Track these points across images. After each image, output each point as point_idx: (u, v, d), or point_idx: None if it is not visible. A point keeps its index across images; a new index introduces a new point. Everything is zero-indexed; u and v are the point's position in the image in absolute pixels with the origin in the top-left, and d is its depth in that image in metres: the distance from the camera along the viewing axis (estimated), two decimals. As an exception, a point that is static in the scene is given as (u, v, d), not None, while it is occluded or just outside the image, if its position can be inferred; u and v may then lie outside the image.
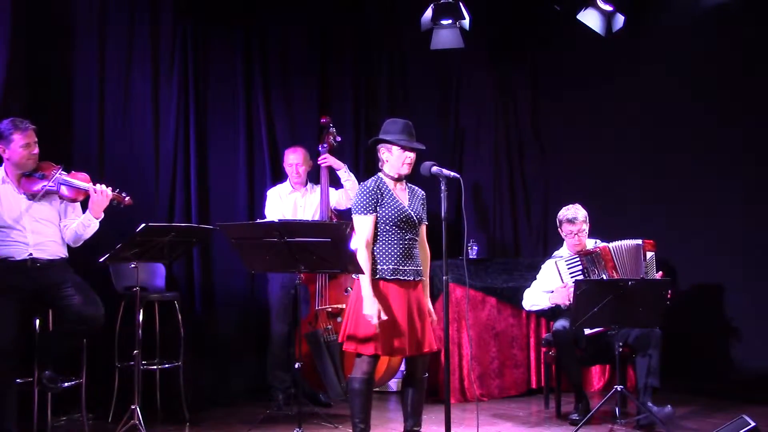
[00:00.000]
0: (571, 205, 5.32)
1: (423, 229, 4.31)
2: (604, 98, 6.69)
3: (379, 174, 4.24)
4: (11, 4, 5.16)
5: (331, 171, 5.65)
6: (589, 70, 6.78)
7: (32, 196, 4.48)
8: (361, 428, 4.13)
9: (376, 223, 4.14)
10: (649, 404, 4.88)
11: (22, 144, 4.41)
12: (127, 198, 4.60)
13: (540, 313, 5.82)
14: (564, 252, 5.37)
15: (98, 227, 4.60)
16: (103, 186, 4.53)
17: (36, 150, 4.47)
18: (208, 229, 4.97)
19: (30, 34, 5.34)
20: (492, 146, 7.19)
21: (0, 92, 5.07)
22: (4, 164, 4.51)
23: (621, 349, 4.89)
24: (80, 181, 4.55)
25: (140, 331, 4.69)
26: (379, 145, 4.22)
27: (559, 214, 5.33)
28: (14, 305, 4.38)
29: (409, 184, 4.29)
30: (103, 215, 4.58)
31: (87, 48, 5.69)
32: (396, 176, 4.20)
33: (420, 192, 4.32)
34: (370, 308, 4.02)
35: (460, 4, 6.16)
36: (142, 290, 4.87)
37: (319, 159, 5.60)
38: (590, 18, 6.07)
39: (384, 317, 4.02)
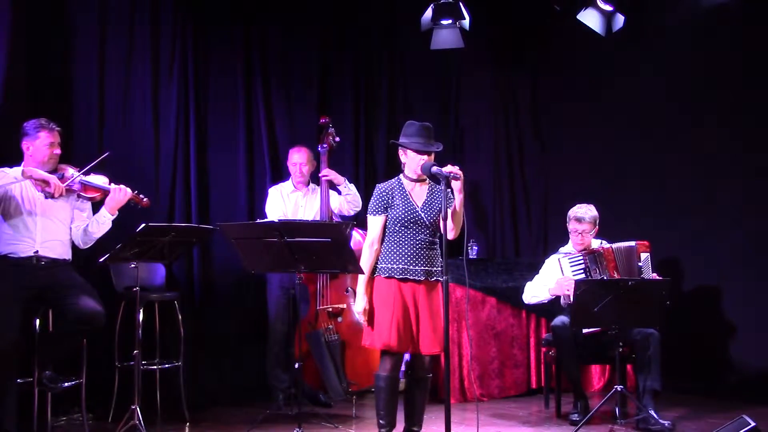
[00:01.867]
0: (584, 204, 5.32)
1: (448, 218, 4.07)
2: (604, 98, 6.69)
3: (400, 175, 4.32)
4: (11, 4, 5.16)
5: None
6: (589, 70, 6.77)
7: (50, 195, 4.51)
8: (382, 424, 4.20)
9: (386, 223, 4.22)
10: (651, 411, 4.86)
11: (47, 143, 4.53)
12: (145, 199, 4.72)
13: (539, 310, 5.82)
14: (569, 249, 5.38)
15: (110, 226, 4.65)
16: (123, 186, 4.63)
17: (58, 151, 4.58)
18: (208, 229, 4.97)
19: (30, 34, 5.34)
20: (492, 146, 7.19)
21: (0, 92, 5.08)
22: (24, 162, 4.57)
23: (621, 349, 4.89)
24: (99, 181, 4.63)
25: (140, 331, 4.69)
26: (399, 148, 4.30)
27: (570, 210, 5.33)
28: (16, 305, 4.39)
29: (432, 184, 4.32)
30: (117, 214, 4.65)
31: (87, 48, 5.69)
32: (415, 177, 4.26)
33: (440, 191, 4.26)
34: (358, 305, 4.21)
35: (460, 4, 6.16)
36: (142, 290, 4.86)
37: (320, 173, 5.59)
38: (590, 18, 6.07)
39: (361, 317, 4.21)
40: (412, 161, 4.23)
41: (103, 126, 5.72)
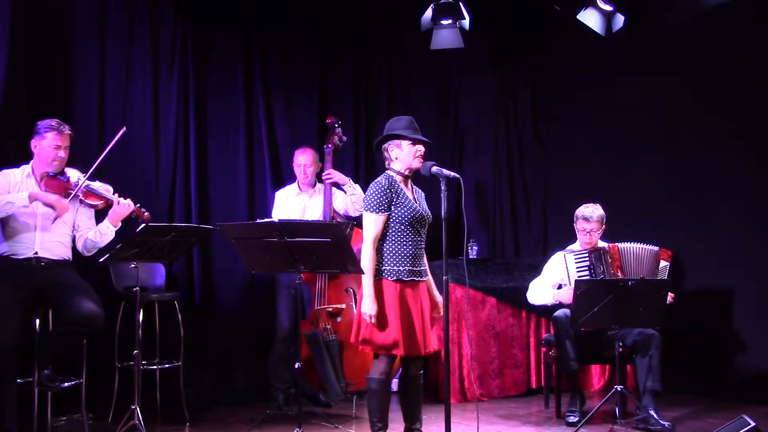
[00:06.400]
0: (591, 204, 5.35)
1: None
2: (604, 98, 6.69)
3: (389, 172, 4.21)
4: (11, 4, 5.16)
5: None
6: (589, 70, 6.77)
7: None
8: (378, 427, 4.14)
9: (387, 222, 4.11)
10: (652, 411, 4.86)
11: (53, 144, 4.50)
12: (146, 213, 4.69)
13: (539, 310, 5.82)
14: (576, 247, 5.38)
15: (113, 237, 4.65)
16: (124, 199, 4.60)
17: (64, 155, 4.54)
18: (208, 229, 4.97)
19: (30, 34, 5.34)
20: (492, 146, 7.19)
21: (0, 92, 5.07)
22: (33, 159, 4.58)
23: (621, 349, 4.89)
24: (103, 190, 4.62)
25: (140, 331, 4.69)
26: (387, 144, 4.20)
27: (577, 209, 5.35)
28: (16, 304, 4.38)
29: (411, 183, 4.29)
30: (120, 225, 4.65)
31: (87, 48, 5.69)
32: (406, 173, 4.19)
33: (420, 191, 4.34)
34: (369, 307, 4.02)
35: (460, 4, 6.16)
36: (142, 290, 4.86)
37: (324, 176, 5.58)
38: (590, 18, 6.07)
39: (370, 319, 4.03)
40: (407, 154, 4.15)
41: (103, 126, 5.72)
